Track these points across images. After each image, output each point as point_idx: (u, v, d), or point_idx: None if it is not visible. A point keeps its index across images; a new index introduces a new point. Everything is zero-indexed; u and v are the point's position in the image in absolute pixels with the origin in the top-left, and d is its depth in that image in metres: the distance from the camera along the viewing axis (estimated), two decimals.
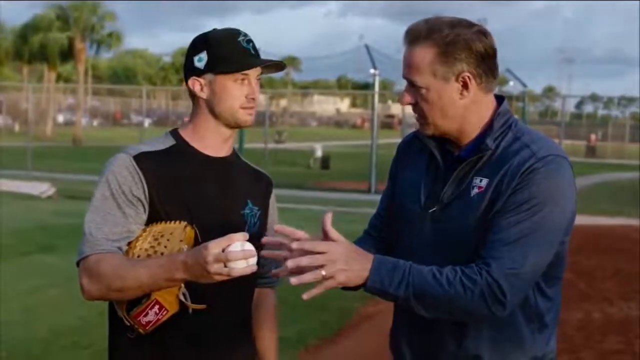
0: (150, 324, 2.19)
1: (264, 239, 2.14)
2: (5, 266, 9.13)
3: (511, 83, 37.53)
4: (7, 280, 8.39)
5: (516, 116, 2.29)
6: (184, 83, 2.38)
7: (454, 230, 2.15)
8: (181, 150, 2.35)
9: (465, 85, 2.13)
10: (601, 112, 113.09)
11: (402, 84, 2.23)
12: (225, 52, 2.29)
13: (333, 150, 33.96)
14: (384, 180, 2.53)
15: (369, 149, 23.11)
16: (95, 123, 57.61)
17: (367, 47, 24.71)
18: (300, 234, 2.06)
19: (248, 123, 2.35)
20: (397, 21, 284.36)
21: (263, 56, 2.38)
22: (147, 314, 2.18)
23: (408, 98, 2.18)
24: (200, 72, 2.32)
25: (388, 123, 52.29)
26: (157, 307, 2.18)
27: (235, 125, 2.36)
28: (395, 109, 63.63)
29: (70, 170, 23.77)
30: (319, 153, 31.18)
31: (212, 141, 2.37)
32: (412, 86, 2.16)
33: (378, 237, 2.41)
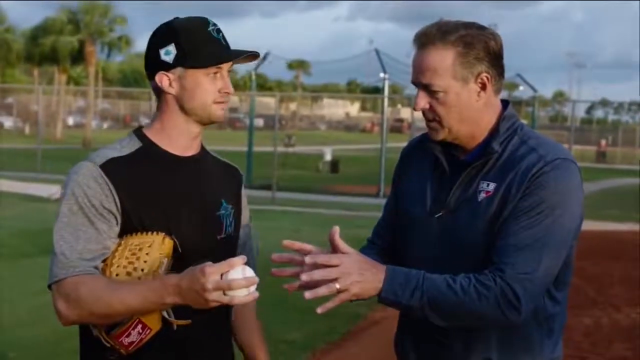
0: (133, 345, 2.05)
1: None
2: (13, 267, 9.15)
3: (521, 88, 37.58)
4: (15, 281, 8.40)
5: (526, 121, 2.28)
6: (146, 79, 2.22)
7: (462, 234, 2.13)
8: (149, 152, 2.19)
9: (483, 86, 2.12)
10: (612, 117, 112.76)
11: (412, 88, 2.19)
12: (196, 44, 2.13)
13: (342, 154, 33.95)
14: None
15: (378, 153, 23.10)
16: (105, 126, 57.63)
17: (377, 51, 24.69)
18: (310, 247, 2.04)
19: (221, 118, 2.21)
20: (406, 25, 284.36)
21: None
22: (129, 334, 2.04)
23: (423, 103, 2.14)
24: (169, 67, 2.14)
25: (397, 127, 52.17)
26: (140, 326, 2.04)
27: (208, 122, 2.21)
28: (405, 113, 63.53)
29: None
30: (328, 157, 31.15)
31: (181, 140, 2.22)
32: (426, 90, 2.13)
33: (382, 245, 2.38)
